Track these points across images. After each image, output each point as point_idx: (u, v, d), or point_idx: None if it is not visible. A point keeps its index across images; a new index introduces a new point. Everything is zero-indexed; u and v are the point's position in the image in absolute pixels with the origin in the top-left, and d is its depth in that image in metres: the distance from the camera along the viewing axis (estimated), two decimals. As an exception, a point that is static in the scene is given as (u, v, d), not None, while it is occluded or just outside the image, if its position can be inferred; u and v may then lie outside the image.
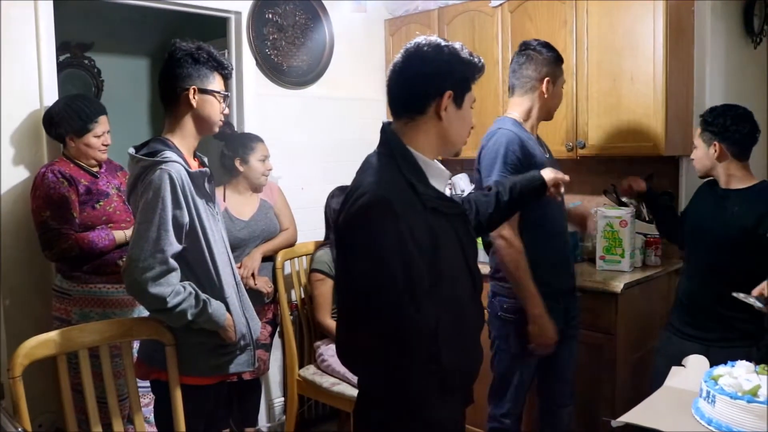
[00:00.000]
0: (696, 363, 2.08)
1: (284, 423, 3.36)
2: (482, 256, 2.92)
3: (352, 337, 1.56)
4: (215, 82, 2.04)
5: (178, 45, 2.02)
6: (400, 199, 1.46)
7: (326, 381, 3.06)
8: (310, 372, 3.17)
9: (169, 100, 2.03)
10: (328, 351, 3.11)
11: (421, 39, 1.57)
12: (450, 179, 1.72)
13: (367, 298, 1.49)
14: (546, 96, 2.44)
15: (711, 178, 2.52)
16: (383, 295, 1.45)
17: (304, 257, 3.38)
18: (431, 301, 1.48)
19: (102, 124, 2.67)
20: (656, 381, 2.15)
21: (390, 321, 1.45)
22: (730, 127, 2.37)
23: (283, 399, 3.57)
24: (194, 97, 1.99)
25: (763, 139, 3.55)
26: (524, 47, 2.47)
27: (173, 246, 1.90)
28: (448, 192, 1.69)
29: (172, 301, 1.89)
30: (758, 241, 2.28)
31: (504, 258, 2.32)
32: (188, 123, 2.04)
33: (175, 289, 1.90)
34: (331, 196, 3.29)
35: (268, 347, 3.19)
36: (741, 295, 2.05)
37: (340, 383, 3.01)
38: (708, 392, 1.71)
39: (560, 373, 2.56)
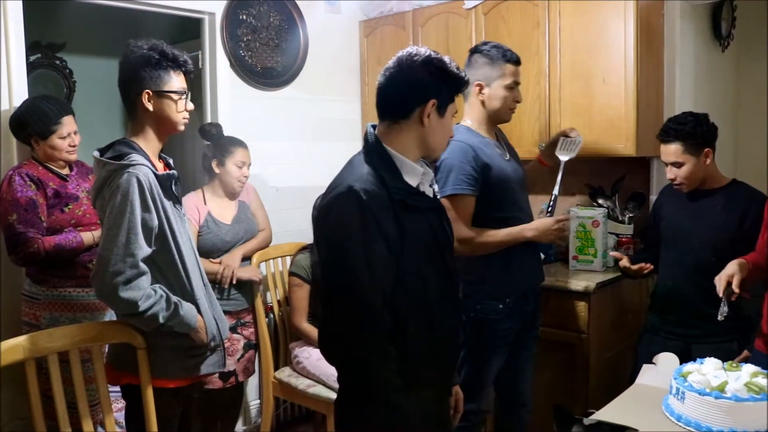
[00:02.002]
0: (666, 360, 2.11)
1: (260, 425, 3.34)
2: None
3: (326, 327, 1.61)
4: (171, 82, 1.99)
5: (130, 47, 1.99)
6: (367, 191, 1.53)
7: (302, 383, 3.05)
8: (285, 374, 3.16)
9: (127, 104, 2.01)
10: (303, 353, 3.10)
11: (413, 49, 1.65)
12: (432, 179, 1.76)
13: (333, 287, 1.57)
14: (482, 100, 2.45)
15: None
16: (346, 282, 1.53)
17: (279, 259, 3.37)
18: (398, 292, 1.55)
19: (67, 125, 2.62)
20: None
21: (353, 308, 1.52)
22: (708, 131, 2.42)
23: (258, 402, 3.55)
24: (149, 101, 1.97)
25: (731, 140, 3.64)
26: (470, 52, 2.50)
27: (143, 250, 1.88)
28: (430, 191, 1.72)
29: (143, 305, 1.88)
30: (742, 238, 2.32)
31: (473, 254, 2.36)
32: (149, 125, 2.02)
33: (145, 292, 1.88)
34: (316, 200, 3.26)
35: (256, 347, 3.18)
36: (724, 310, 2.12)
37: (316, 385, 3.00)
38: (677, 389, 1.73)
39: (521, 372, 2.60)
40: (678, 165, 2.42)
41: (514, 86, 2.44)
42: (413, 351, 1.60)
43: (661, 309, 2.59)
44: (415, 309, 1.60)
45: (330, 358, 1.62)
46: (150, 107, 1.97)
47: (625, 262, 2.61)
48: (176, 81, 2.01)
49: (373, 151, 1.64)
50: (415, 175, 1.65)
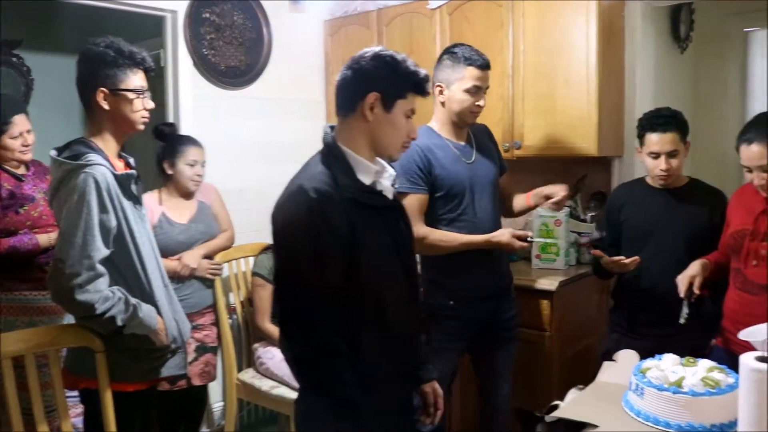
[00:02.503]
0: (627, 357, 2.13)
1: (223, 427, 3.30)
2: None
3: (280, 325, 1.62)
4: (128, 80, 1.95)
5: (87, 46, 1.95)
6: (318, 190, 1.54)
7: (265, 384, 3.02)
8: (249, 375, 3.13)
9: (84, 103, 1.98)
10: (267, 354, 3.07)
11: (370, 47, 1.67)
12: (394, 178, 1.77)
13: (284, 285, 1.60)
14: (443, 102, 2.46)
15: (636, 179, 2.61)
16: (295, 280, 1.55)
17: (242, 260, 3.33)
18: (351, 289, 1.57)
19: (18, 124, 2.56)
20: None
21: (303, 306, 1.54)
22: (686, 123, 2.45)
23: (222, 403, 3.51)
24: (105, 100, 1.93)
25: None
26: (441, 53, 2.51)
27: (100, 251, 1.85)
28: (390, 190, 1.74)
29: (100, 308, 1.84)
30: (711, 235, 2.35)
31: (423, 253, 2.41)
32: (107, 124, 1.98)
33: (103, 294, 1.85)
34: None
35: (216, 350, 3.13)
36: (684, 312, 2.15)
37: (280, 386, 2.98)
38: (637, 385, 1.75)
39: (497, 375, 2.62)
40: (673, 154, 2.39)
41: (474, 90, 2.42)
42: (367, 348, 1.60)
43: (631, 308, 2.57)
44: (369, 306, 1.61)
45: (284, 355, 1.63)
46: (106, 106, 1.93)
47: (607, 258, 2.48)
48: (134, 79, 1.97)
49: (328, 149, 1.65)
50: (369, 173, 1.66)
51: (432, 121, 2.53)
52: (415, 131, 1.71)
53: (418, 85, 1.66)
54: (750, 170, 2.07)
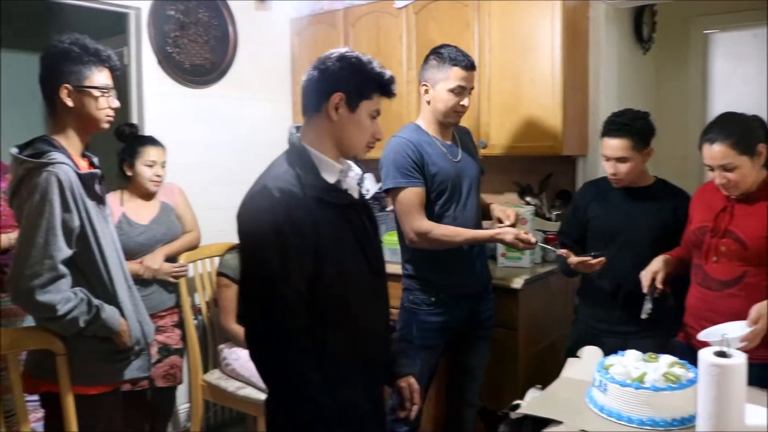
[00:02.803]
0: (590, 354, 2.16)
1: (189, 429, 3.26)
2: (389, 255, 2.97)
3: (244, 324, 1.62)
4: (93, 77, 1.92)
5: (52, 42, 1.91)
6: (281, 189, 1.55)
7: (231, 385, 2.99)
8: (214, 377, 3.10)
9: (47, 100, 1.94)
10: (232, 355, 3.04)
11: (336, 48, 1.69)
12: (360, 177, 1.79)
13: (247, 283, 1.60)
14: (428, 101, 2.50)
15: (599, 177, 2.64)
16: (258, 279, 1.56)
17: (207, 260, 3.30)
18: (315, 287, 1.57)
19: None
20: None
21: (266, 304, 1.55)
22: (651, 128, 2.44)
23: (187, 405, 3.46)
24: (69, 97, 1.90)
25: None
26: (428, 53, 2.53)
27: (62, 251, 1.82)
28: (356, 189, 1.75)
29: (62, 309, 1.81)
30: (675, 234, 2.39)
31: (431, 247, 2.45)
32: (70, 122, 1.94)
33: (65, 296, 1.82)
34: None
35: (182, 352, 3.09)
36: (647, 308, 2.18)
37: (246, 387, 2.95)
38: (600, 381, 1.77)
39: (470, 373, 2.66)
40: (623, 160, 2.39)
41: (458, 90, 2.45)
42: (332, 346, 1.61)
43: (596, 306, 2.59)
44: (333, 304, 1.62)
45: (250, 355, 1.62)
46: (70, 103, 1.90)
47: (574, 258, 2.46)
48: (98, 77, 1.93)
49: (293, 149, 1.66)
50: (333, 171, 1.67)
51: (419, 119, 2.57)
52: (380, 132, 1.72)
53: (383, 87, 1.68)
54: (712, 169, 2.10)
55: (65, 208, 1.82)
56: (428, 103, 2.50)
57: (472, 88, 2.52)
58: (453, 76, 2.45)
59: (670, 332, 2.40)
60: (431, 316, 2.50)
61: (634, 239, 2.47)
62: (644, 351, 1.93)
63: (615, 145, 2.38)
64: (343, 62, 1.64)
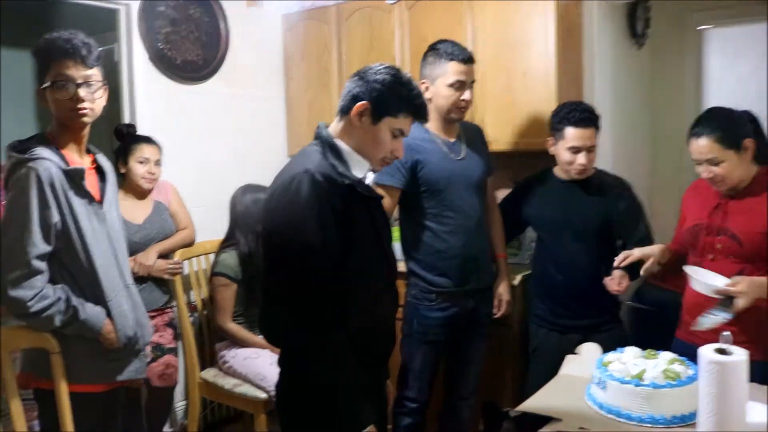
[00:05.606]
0: (590, 350, 2.15)
1: (186, 427, 3.23)
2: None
3: (272, 307, 1.70)
4: (61, 70, 1.86)
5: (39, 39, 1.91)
6: (323, 174, 1.61)
7: (228, 383, 2.98)
8: (211, 374, 3.08)
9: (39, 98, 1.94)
10: (230, 353, 3.03)
11: (383, 64, 1.75)
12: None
13: (283, 265, 1.63)
14: (429, 98, 2.47)
15: (543, 169, 2.70)
16: (298, 260, 1.59)
17: (203, 257, 3.27)
18: (342, 274, 1.62)
19: None
20: (537, 381, 2.16)
21: (301, 288, 1.59)
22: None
23: (184, 402, 3.44)
24: (43, 93, 1.89)
25: (647, 135, 3.78)
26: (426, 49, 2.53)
27: (37, 247, 1.81)
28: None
29: (35, 306, 1.81)
30: (619, 221, 2.47)
31: None
32: (55, 117, 1.94)
33: (40, 293, 1.81)
34: (237, 194, 3.18)
35: (175, 352, 3.06)
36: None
37: (243, 384, 2.94)
38: (599, 378, 1.77)
39: (466, 367, 2.66)
40: (593, 149, 2.50)
41: (458, 84, 2.44)
42: (353, 328, 1.65)
43: (550, 304, 2.63)
44: (357, 291, 1.67)
45: (275, 335, 1.72)
46: (47, 98, 1.89)
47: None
48: (67, 69, 1.86)
49: (325, 143, 1.72)
50: (362, 168, 1.74)
51: None
52: (400, 151, 1.76)
53: (412, 108, 1.73)
54: (699, 163, 2.11)
55: (43, 204, 1.81)
56: (430, 100, 2.46)
57: (473, 82, 2.51)
58: (451, 70, 2.44)
59: (631, 325, 2.46)
60: (433, 311, 2.50)
61: (582, 232, 2.54)
62: (605, 345, 2.00)
63: (586, 134, 2.47)
64: (381, 75, 1.70)
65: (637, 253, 2.23)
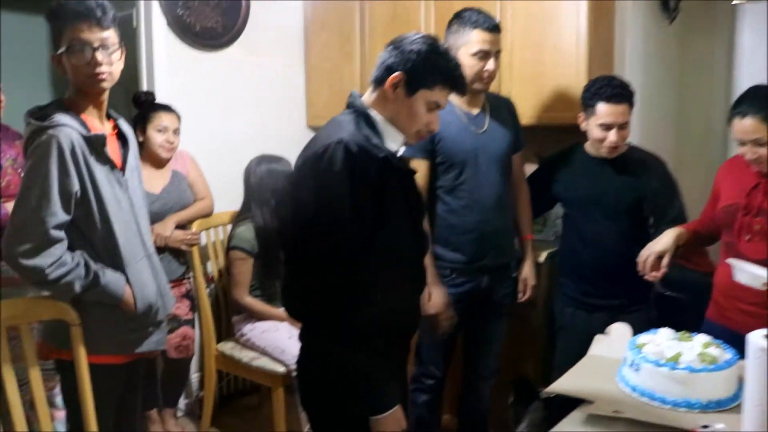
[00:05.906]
0: (619, 331, 2.11)
1: (202, 399, 3.23)
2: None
3: (298, 280, 1.65)
4: (75, 33, 1.80)
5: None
6: (358, 144, 1.56)
7: (246, 356, 2.96)
8: (228, 347, 3.06)
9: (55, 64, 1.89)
10: (248, 326, 3.01)
11: (420, 33, 1.70)
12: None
13: (314, 235, 1.57)
14: None
15: (573, 144, 2.63)
16: (331, 231, 1.54)
17: (220, 228, 3.24)
18: (373, 247, 1.58)
19: None
20: (565, 360, 2.14)
21: (332, 260, 1.55)
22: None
23: (198, 374, 3.44)
24: (59, 58, 1.84)
25: (675, 111, 3.69)
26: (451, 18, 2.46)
27: (56, 216, 1.77)
28: None
29: (53, 273, 1.77)
30: (652, 200, 2.43)
31: None
32: (72, 83, 1.89)
33: (59, 260, 1.78)
34: (252, 165, 3.13)
35: (192, 323, 3.05)
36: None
37: (261, 357, 2.92)
38: (633, 360, 1.72)
39: (487, 347, 2.62)
40: (625, 126, 2.42)
41: (481, 54, 2.36)
42: (378, 311, 1.60)
43: (578, 282, 2.58)
44: (386, 269, 1.62)
45: (298, 310, 1.67)
46: (66, 62, 1.83)
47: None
48: (81, 32, 1.80)
49: (359, 113, 1.67)
50: (396, 140, 1.69)
51: None
52: (435, 123, 1.70)
53: (449, 79, 1.67)
54: (743, 143, 2.03)
55: (63, 171, 1.77)
56: None
57: (498, 51, 2.42)
58: (475, 39, 2.36)
59: (650, 304, 2.47)
60: (447, 287, 2.43)
61: (612, 210, 2.48)
62: (634, 326, 1.96)
63: (619, 110, 2.39)
64: (417, 45, 1.64)
65: (652, 257, 2.17)
